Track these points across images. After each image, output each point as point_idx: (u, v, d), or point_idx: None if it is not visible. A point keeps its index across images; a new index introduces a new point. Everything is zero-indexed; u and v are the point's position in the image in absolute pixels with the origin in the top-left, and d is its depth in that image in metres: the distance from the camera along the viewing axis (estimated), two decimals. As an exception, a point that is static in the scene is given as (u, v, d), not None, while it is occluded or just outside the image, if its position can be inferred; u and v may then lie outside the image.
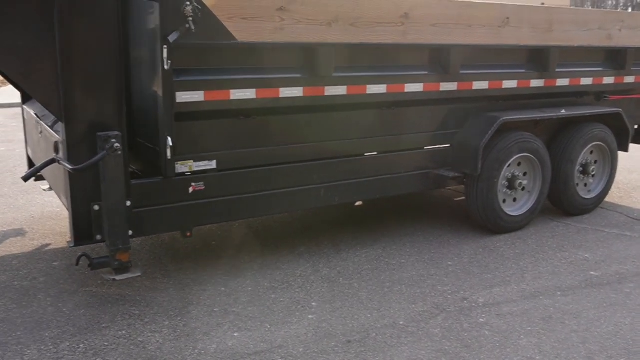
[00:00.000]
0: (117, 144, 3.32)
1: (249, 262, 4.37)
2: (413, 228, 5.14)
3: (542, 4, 6.94)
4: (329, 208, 5.22)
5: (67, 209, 3.66)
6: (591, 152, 5.58)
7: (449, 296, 3.86)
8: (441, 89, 4.63)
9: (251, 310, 3.65)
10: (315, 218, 5.45)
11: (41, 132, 4.30)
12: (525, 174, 5.09)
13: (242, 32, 3.72)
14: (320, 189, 4.26)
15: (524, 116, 4.99)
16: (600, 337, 3.38)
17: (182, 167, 3.73)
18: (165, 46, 3.44)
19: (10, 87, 17.58)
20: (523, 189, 5.06)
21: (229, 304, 3.73)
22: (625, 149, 5.80)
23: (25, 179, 3.72)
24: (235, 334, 3.36)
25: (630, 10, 39.61)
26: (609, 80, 5.65)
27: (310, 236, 4.95)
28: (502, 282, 4.12)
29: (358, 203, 5.73)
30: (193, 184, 3.78)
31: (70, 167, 3.32)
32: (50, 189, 5.02)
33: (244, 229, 5.10)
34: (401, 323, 3.50)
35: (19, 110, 12.28)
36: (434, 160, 4.77)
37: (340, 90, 4.15)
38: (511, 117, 4.85)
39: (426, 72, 4.55)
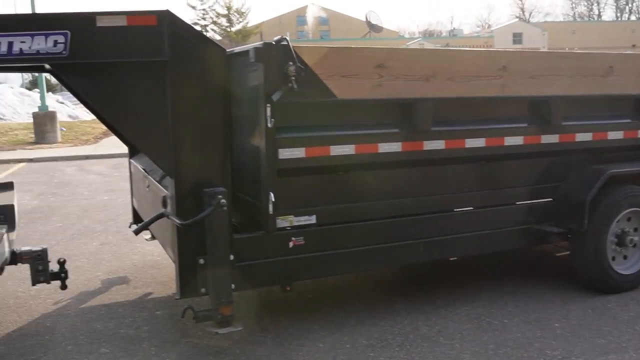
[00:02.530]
0: (223, 200, 3.43)
1: (345, 317, 4.33)
2: (513, 285, 4.94)
3: (633, 45, 6.68)
4: (423, 262, 5.12)
5: (174, 262, 3.78)
6: None
7: (559, 361, 3.67)
8: (542, 142, 4.51)
9: (350, 368, 3.61)
10: (410, 272, 5.36)
11: (148, 186, 4.51)
12: (636, 230, 4.81)
13: (341, 89, 3.80)
14: (418, 244, 4.20)
15: (634, 168, 4.76)
16: None
17: (283, 222, 3.79)
18: (268, 105, 3.56)
19: (111, 138, 18.67)
20: (634, 245, 4.78)
21: (328, 361, 3.70)
22: None
23: (136, 232, 3.90)
24: (335, 393, 3.32)
25: None
26: None
27: (405, 291, 4.86)
28: (618, 348, 3.84)
29: (452, 258, 5.60)
30: (293, 238, 3.82)
31: (179, 222, 3.45)
32: (152, 238, 5.23)
33: (338, 283, 5.08)
34: (507, 388, 3.35)
35: (119, 160, 13.13)
36: (535, 215, 4.61)
37: (439, 144, 4.13)
38: (619, 170, 4.64)
39: (526, 125, 4.46)
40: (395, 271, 5.39)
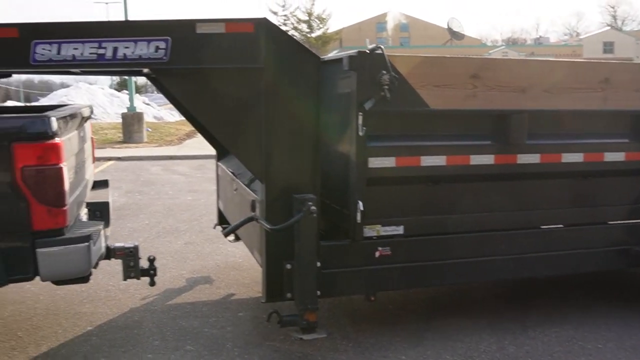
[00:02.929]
0: (313, 207, 3.45)
1: (428, 330, 4.25)
2: (607, 307, 4.71)
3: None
4: (511, 279, 4.97)
5: (260, 266, 3.83)
6: None
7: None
8: (646, 159, 4.28)
9: (434, 383, 3.54)
10: (497, 289, 5.21)
11: (236, 189, 4.59)
12: None
13: (434, 99, 3.74)
14: (508, 261, 4.08)
15: None
16: None
17: (370, 231, 3.77)
18: (360, 113, 3.55)
19: (194, 140, 19.21)
20: None
21: (410, 374, 3.65)
22: None
23: (226, 234, 3.98)
24: (419, 408, 3.26)
25: None
26: None
27: (492, 308, 4.72)
28: None
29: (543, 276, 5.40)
30: (380, 248, 3.79)
31: (269, 226, 3.49)
32: (236, 240, 5.32)
33: (421, 295, 5.00)
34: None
35: (202, 162, 13.47)
36: (634, 236, 4.38)
37: (533, 158, 4.00)
38: None
39: (628, 140, 4.25)
40: (482, 286, 5.25)
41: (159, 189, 10.54)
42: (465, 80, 3.81)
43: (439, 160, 3.80)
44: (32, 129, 3.16)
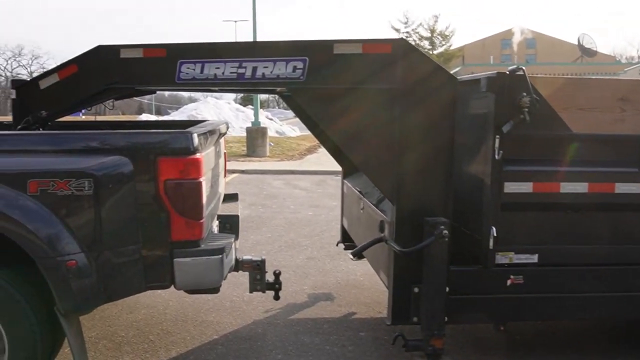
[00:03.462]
0: (445, 231, 3.37)
1: (560, 366, 4.02)
2: None
3: None
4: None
5: (387, 287, 3.79)
6: None
7: None
8: None
9: None
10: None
11: (363, 208, 4.58)
12: None
13: (577, 123, 3.56)
14: (652, 296, 3.78)
15: None
16: None
17: (503, 258, 3.62)
18: (497, 136, 3.44)
19: (315, 155, 19.58)
20: None
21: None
22: None
23: (354, 254, 3.98)
24: None
25: None
26: None
27: (629, 348, 4.38)
28: None
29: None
30: (512, 276, 3.63)
31: (399, 248, 3.45)
32: (358, 258, 5.30)
33: (554, 327, 4.73)
34: None
35: (322, 177, 13.67)
36: None
37: (687, 189, 3.67)
38: None
39: None
40: (619, 323, 4.89)
41: (280, 202, 10.80)
42: (613, 103, 3.59)
43: (580, 188, 3.58)
44: (175, 144, 3.29)
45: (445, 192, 3.57)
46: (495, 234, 3.51)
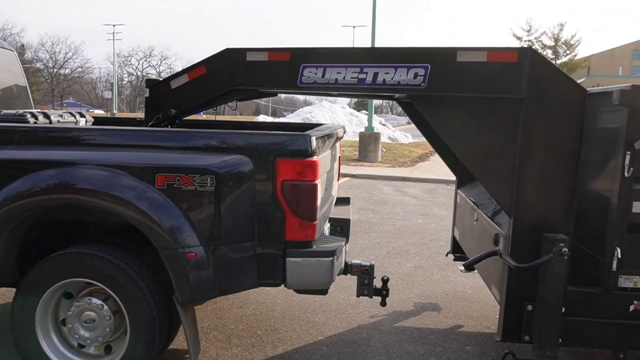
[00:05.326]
0: (565, 249, 3.23)
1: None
2: None
3: None
4: None
5: (498, 303, 3.68)
6: None
7: None
8: None
9: None
10: None
11: (476, 220, 4.48)
12: None
13: None
14: None
15: None
16: None
17: (627, 281, 3.41)
18: (628, 152, 3.24)
19: (427, 163, 19.35)
20: None
21: None
22: None
23: (466, 266, 3.89)
24: None
25: None
26: None
27: None
28: None
29: None
30: (635, 302, 3.42)
31: (514, 264, 3.34)
32: (468, 270, 5.18)
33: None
34: None
35: (433, 186, 13.50)
36: None
37: None
38: None
39: None
40: None
41: (390, 209, 10.76)
42: None
43: None
44: (294, 146, 3.37)
45: (567, 208, 3.42)
46: (619, 256, 3.32)
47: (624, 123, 3.27)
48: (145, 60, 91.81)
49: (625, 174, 3.26)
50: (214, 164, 3.30)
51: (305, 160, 3.36)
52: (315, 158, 3.39)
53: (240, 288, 3.51)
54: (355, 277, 4.25)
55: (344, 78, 3.63)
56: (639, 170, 3.28)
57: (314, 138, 3.42)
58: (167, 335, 3.57)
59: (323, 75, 3.68)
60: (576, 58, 47.86)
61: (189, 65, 4.27)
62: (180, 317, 3.36)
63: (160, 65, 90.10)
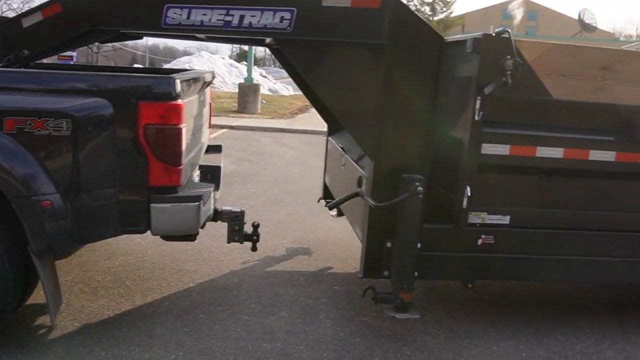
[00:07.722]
0: (420, 188, 3.42)
1: (523, 325, 4.13)
2: None
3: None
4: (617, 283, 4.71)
5: (361, 241, 3.86)
6: None
7: None
8: None
9: (527, 380, 3.44)
10: (598, 292, 4.96)
11: (344, 165, 4.62)
12: None
13: (558, 89, 3.59)
14: (616, 263, 3.88)
15: None
16: None
17: (475, 218, 3.68)
18: (479, 97, 3.46)
19: (306, 115, 19.49)
20: None
21: (502, 367, 3.57)
22: None
23: (330, 207, 4.03)
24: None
25: None
26: None
27: (591, 311, 4.52)
28: None
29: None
30: (483, 236, 3.71)
31: (373, 203, 3.50)
32: (338, 215, 5.37)
33: (520, 288, 4.85)
34: None
35: (311, 137, 13.65)
36: None
37: (662, 159, 3.74)
38: None
39: None
40: (584, 288, 5.01)
41: (267, 159, 10.81)
42: (595, 71, 3.62)
43: (555, 153, 3.63)
44: (157, 89, 3.27)
45: (424, 150, 3.61)
46: (469, 194, 3.57)
47: (476, 70, 3.46)
48: (5, 2, 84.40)
49: (476, 118, 3.48)
50: (70, 107, 3.13)
51: (169, 104, 3.28)
52: (179, 101, 3.32)
53: (102, 236, 3.42)
54: (227, 225, 4.28)
55: (209, 20, 3.55)
56: (488, 114, 3.51)
57: (178, 81, 3.34)
58: (23, 289, 3.40)
59: (188, 17, 3.57)
60: (452, 16, 49.69)
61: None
62: (37, 269, 3.19)
63: (23, 9, 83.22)
